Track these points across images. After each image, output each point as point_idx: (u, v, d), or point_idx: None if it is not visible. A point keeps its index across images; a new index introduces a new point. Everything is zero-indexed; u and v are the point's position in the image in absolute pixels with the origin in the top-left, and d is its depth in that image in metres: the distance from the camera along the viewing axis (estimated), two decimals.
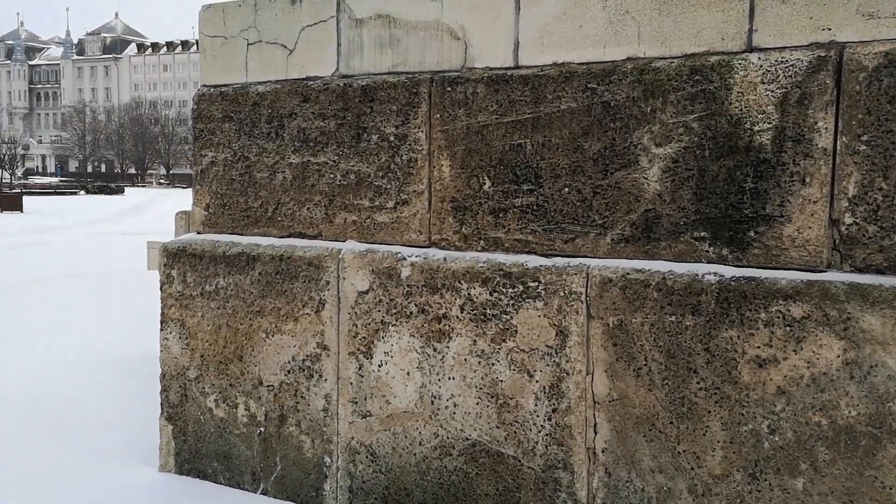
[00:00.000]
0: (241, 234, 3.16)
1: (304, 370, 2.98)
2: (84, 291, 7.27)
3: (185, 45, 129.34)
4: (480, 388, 2.60)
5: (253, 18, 3.13)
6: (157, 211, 40.99)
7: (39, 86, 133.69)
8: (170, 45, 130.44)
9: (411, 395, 2.75)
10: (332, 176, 2.98)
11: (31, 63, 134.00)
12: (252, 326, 3.06)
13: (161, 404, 3.35)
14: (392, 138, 2.84)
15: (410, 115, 2.80)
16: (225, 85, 3.20)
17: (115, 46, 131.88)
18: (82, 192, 62.05)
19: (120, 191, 65.63)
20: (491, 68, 2.66)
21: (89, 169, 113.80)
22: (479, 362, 2.60)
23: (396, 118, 2.83)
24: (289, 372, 3.01)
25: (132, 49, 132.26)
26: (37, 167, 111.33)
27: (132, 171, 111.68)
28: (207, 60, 3.26)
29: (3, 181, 45.79)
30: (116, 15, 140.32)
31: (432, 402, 2.70)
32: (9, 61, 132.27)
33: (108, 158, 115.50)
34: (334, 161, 2.98)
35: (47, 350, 4.98)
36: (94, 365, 4.71)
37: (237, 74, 3.20)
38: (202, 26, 3.27)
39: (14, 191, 37.51)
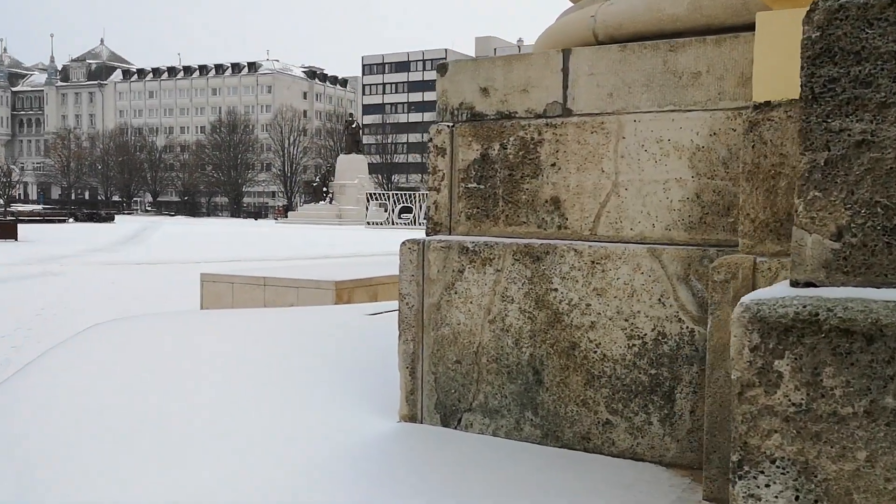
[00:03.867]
0: None
1: None
2: (185, 337, 5.53)
3: (172, 71, 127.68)
4: None
5: None
6: (156, 238, 39.08)
7: (22, 112, 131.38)
8: (156, 72, 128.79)
9: None
10: None
11: (14, 89, 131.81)
12: None
13: None
14: None
15: None
16: None
17: (100, 72, 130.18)
18: (71, 219, 59.89)
19: (110, 218, 63.57)
20: None
21: (73, 196, 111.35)
22: None
23: None
24: None
25: (118, 75, 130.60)
26: (19, 194, 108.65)
27: (116, 198, 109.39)
28: None
29: None
30: (102, 41, 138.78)
31: None
32: None
33: (93, 185, 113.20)
34: None
35: (261, 437, 3.29)
36: (331, 459, 3.04)
37: None
38: None
39: (9, 218, 35.48)
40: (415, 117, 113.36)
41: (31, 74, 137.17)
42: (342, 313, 6.63)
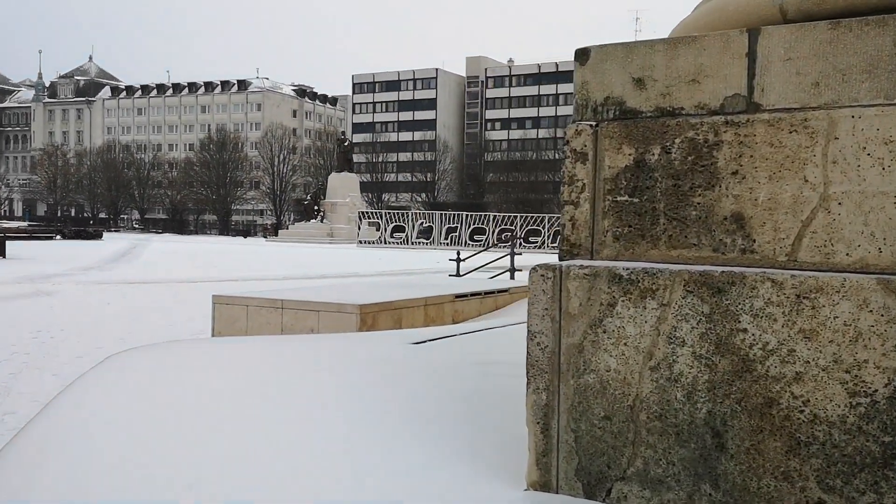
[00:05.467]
0: None
1: None
2: (220, 374, 4.77)
3: (161, 88, 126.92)
4: None
5: None
6: (146, 256, 38.18)
7: (9, 129, 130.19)
8: (145, 89, 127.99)
9: None
10: None
11: (0, 105, 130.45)
12: None
13: None
14: None
15: None
16: None
17: (88, 89, 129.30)
18: (59, 236, 58.79)
19: (98, 235, 62.43)
20: None
21: (59, 213, 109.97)
22: None
23: None
24: None
25: (106, 92, 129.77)
26: (4, 211, 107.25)
27: (103, 215, 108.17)
28: None
29: None
30: (90, 58, 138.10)
31: None
32: None
33: (79, 202, 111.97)
34: None
35: None
36: None
37: None
38: None
39: None
40: (405, 136, 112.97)
41: (18, 91, 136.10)
42: (383, 343, 5.93)
